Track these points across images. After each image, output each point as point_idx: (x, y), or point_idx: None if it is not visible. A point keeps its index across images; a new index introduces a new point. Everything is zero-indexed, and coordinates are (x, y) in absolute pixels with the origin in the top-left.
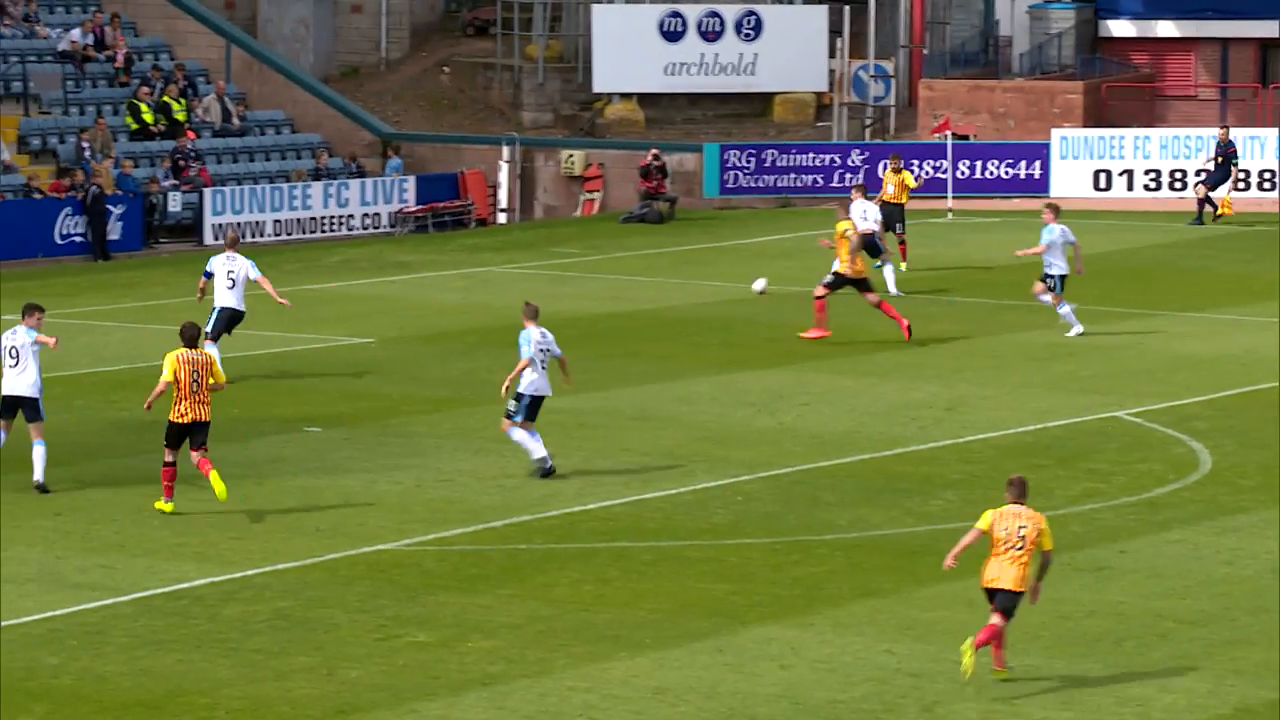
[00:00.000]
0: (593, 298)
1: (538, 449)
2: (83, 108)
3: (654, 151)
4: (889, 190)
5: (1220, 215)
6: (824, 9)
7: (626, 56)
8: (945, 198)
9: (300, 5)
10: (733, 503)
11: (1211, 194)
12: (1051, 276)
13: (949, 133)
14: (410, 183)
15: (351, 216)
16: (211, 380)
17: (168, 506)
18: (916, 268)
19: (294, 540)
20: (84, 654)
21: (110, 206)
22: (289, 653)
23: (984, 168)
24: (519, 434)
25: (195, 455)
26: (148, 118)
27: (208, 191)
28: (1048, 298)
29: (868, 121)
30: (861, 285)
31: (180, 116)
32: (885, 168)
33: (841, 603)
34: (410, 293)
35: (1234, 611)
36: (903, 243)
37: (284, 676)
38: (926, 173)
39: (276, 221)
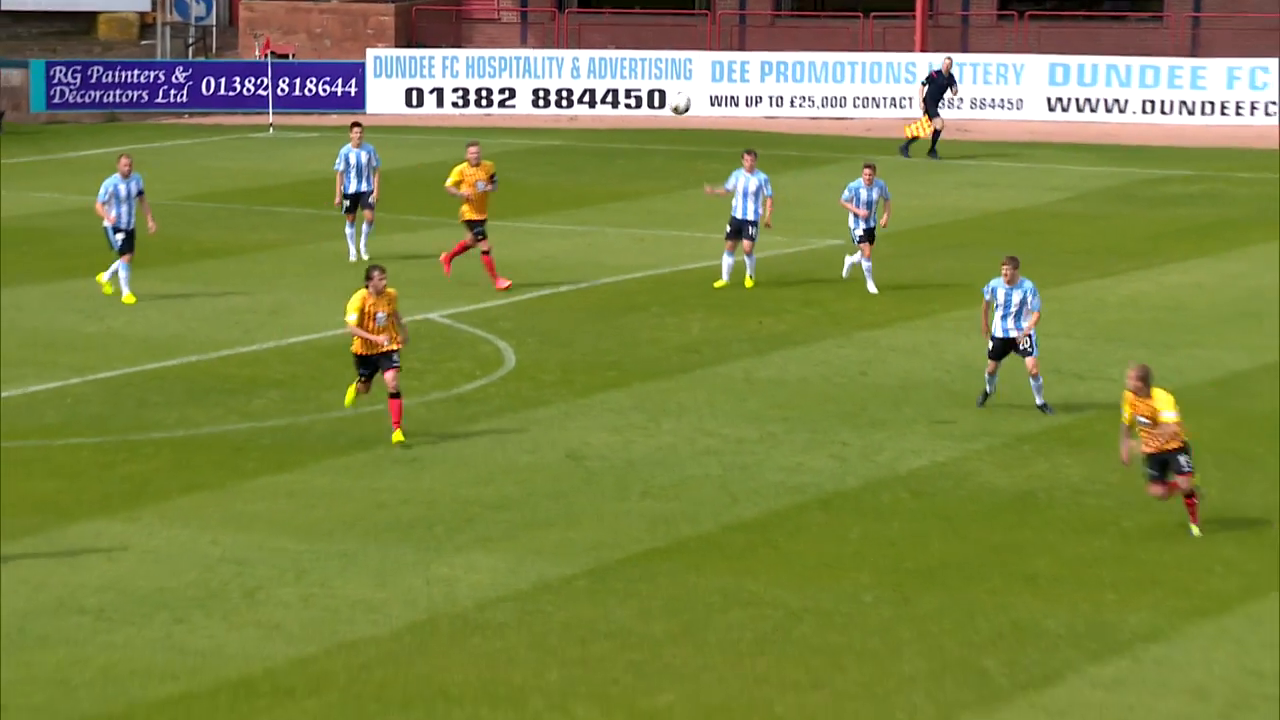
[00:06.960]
0: None
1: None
2: None
3: None
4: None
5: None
6: None
7: None
8: (267, 113)
9: None
10: (62, 405)
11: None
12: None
13: (270, 52)
14: None
15: None
16: None
17: None
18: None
19: None
20: None
21: None
22: None
23: (303, 85)
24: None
25: None
26: None
27: None
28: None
29: (191, 40)
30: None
31: None
32: None
33: (168, 497)
34: None
35: (535, 497)
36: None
37: None
38: (250, 89)
39: None
